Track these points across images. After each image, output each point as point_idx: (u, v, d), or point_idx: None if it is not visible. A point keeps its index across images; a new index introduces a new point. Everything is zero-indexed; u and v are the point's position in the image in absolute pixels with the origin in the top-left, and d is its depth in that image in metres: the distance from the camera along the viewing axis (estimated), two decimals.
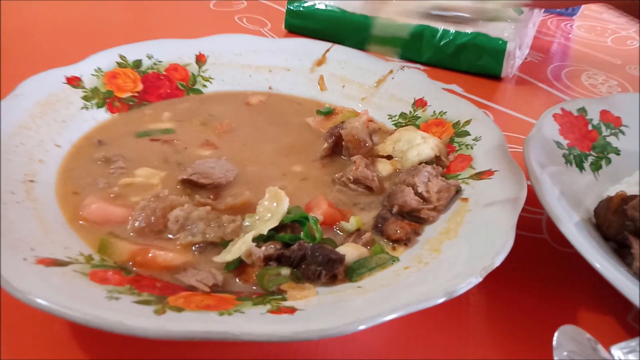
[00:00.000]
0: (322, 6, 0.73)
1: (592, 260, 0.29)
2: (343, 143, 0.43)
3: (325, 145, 0.43)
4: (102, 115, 0.45)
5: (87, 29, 0.71)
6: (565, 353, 0.22)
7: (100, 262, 0.30)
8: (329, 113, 0.49)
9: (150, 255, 0.30)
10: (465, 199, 0.37)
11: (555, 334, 0.22)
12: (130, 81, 0.48)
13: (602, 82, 0.76)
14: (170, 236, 0.32)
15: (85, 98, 0.44)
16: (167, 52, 0.51)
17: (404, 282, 0.28)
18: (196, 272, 0.29)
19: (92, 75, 0.46)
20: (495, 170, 0.38)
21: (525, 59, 0.81)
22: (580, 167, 0.44)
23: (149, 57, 0.50)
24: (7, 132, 0.37)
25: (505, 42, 0.67)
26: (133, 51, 0.49)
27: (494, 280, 0.34)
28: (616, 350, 0.22)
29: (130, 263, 0.30)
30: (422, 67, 0.71)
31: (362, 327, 0.23)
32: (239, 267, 0.30)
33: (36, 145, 0.38)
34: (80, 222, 0.33)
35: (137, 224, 0.32)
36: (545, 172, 0.38)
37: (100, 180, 0.37)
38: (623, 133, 0.49)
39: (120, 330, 0.22)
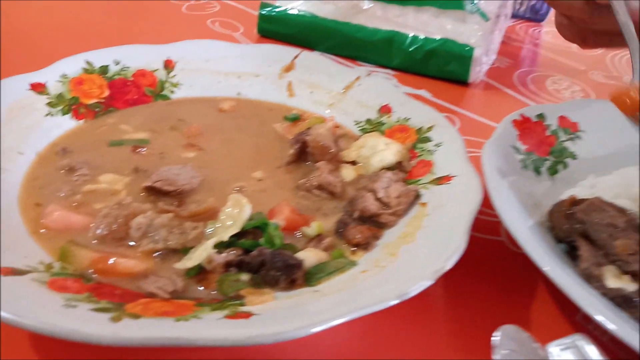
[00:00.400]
0: (294, 11, 0.74)
1: (539, 262, 0.31)
2: (308, 149, 0.44)
3: (291, 151, 0.44)
4: (67, 122, 0.45)
5: (53, 32, 0.70)
6: (504, 352, 0.23)
7: (61, 270, 0.30)
8: (295, 119, 0.50)
9: (110, 262, 0.30)
10: (424, 204, 0.38)
11: (495, 334, 0.24)
12: (97, 87, 0.48)
13: (566, 87, 0.78)
14: (132, 243, 0.33)
15: (49, 105, 0.44)
16: (134, 57, 0.51)
17: (360, 285, 0.29)
18: (157, 279, 0.30)
19: (57, 81, 0.45)
20: (454, 176, 0.39)
21: (493, 64, 0.83)
22: (537, 172, 0.46)
23: (116, 63, 0.50)
24: None
25: (472, 49, 0.69)
26: (100, 57, 0.49)
27: (449, 281, 0.35)
28: (552, 348, 0.24)
29: (92, 271, 0.30)
30: (392, 72, 0.73)
31: (314, 330, 0.24)
32: (200, 273, 0.31)
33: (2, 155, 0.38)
34: (42, 230, 0.33)
35: (99, 231, 0.33)
36: (501, 176, 0.40)
37: (63, 188, 0.37)
38: (580, 138, 0.51)
39: (75, 338, 0.22)
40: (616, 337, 0.28)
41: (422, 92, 0.69)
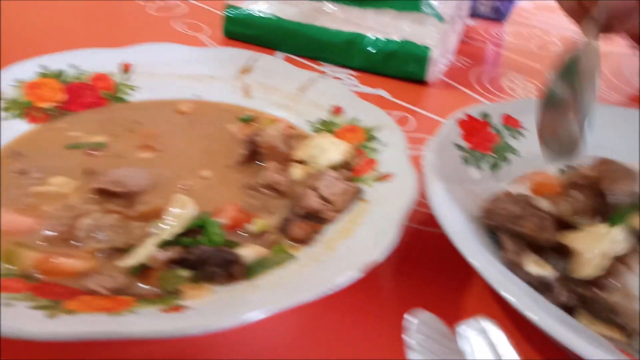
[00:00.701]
0: (259, 13, 0.75)
1: (464, 251, 0.33)
2: (260, 150, 0.45)
3: (242, 151, 0.45)
4: (22, 125, 0.46)
5: (9, 35, 0.70)
6: (416, 335, 0.25)
7: (6, 271, 0.31)
8: (249, 120, 0.51)
9: (54, 262, 0.31)
10: (365, 200, 0.40)
11: (407, 318, 0.25)
12: (53, 91, 0.49)
13: (521, 86, 0.81)
14: (78, 244, 0.34)
15: (4, 108, 0.45)
16: (91, 61, 0.52)
17: (295, 278, 0.31)
18: (99, 277, 0.31)
19: (11, 85, 0.46)
20: (394, 173, 0.41)
21: (453, 64, 0.85)
22: (479, 168, 0.48)
23: (73, 67, 0.51)
24: None
25: (428, 49, 0.71)
26: (56, 61, 0.50)
27: (384, 272, 0.37)
28: (461, 329, 0.26)
29: (37, 271, 0.32)
30: (354, 72, 0.75)
31: (241, 321, 0.26)
32: (142, 271, 0.32)
33: None
34: None
35: (46, 233, 0.34)
36: (439, 173, 0.42)
37: (13, 191, 0.38)
38: (522, 135, 0.53)
39: (8, 334, 0.24)
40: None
41: (381, 92, 0.71)
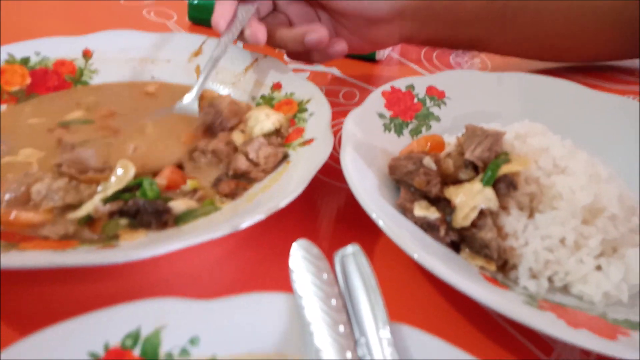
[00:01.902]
0: None
1: (360, 199, 0.39)
2: (214, 119, 0.51)
3: (201, 121, 0.51)
4: None
5: None
6: (297, 261, 0.31)
7: None
8: None
9: (13, 215, 0.38)
10: (288, 162, 0.46)
11: (293, 246, 0.32)
12: (19, 76, 0.55)
13: (467, 60, 0.87)
14: (36, 203, 0.40)
15: None
16: (54, 48, 0.58)
17: (213, 222, 0.38)
18: (52, 226, 0.37)
19: None
20: (315, 138, 0.47)
21: None
22: (399, 133, 0.54)
23: (37, 54, 0.57)
24: None
25: None
26: (21, 49, 0.56)
27: (293, 214, 0.43)
28: (337, 257, 0.32)
29: (1, 223, 0.38)
30: None
31: (154, 254, 0.32)
32: (89, 221, 0.39)
33: None
34: None
35: (7, 196, 0.40)
36: (355, 137, 0.48)
37: None
38: (445, 104, 0.59)
39: None
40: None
41: (333, 70, 0.77)
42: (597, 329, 0.32)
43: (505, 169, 0.41)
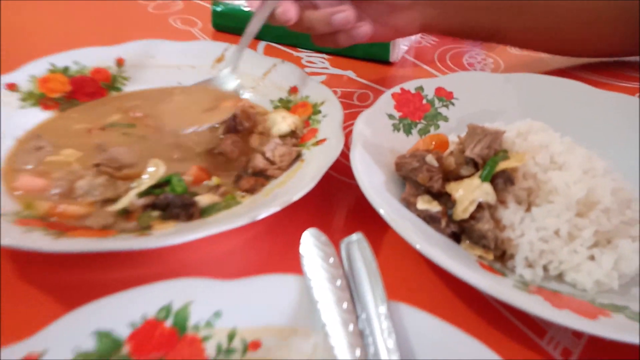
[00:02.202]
0: (243, 7, 0.86)
1: (366, 193, 0.43)
2: (237, 120, 0.56)
3: (222, 125, 0.56)
4: (38, 113, 0.58)
5: (24, 33, 0.83)
6: (307, 247, 0.35)
7: (27, 214, 0.43)
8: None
9: (61, 208, 0.43)
10: (302, 160, 0.50)
11: (303, 234, 0.36)
12: (60, 84, 0.60)
13: (480, 61, 0.89)
14: (79, 197, 0.45)
15: (22, 99, 0.57)
16: (91, 58, 0.63)
17: (234, 214, 0.42)
18: (94, 218, 0.43)
19: (27, 81, 0.58)
20: (327, 138, 0.51)
21: (419, 43, 0.94)
22: (408, 133, 0.58)
23: (76, 63, 0.62)
24: None
25: None
26: (62, 59, 0.62)
27: (306, 207, 0.47)
28: (343, 244, 0.36)
29: (49, 215, 0.43)
30: (326, 56, 0.84)
31: (186, 240, 0.37)
32: (126, 213, 0.44)
33: None
34: (16, 192, 0.46)
35: (54, 191, 0.46)
36: (365, 136, 0.51)
37: (32, 161, 0.50)
38: (453, 104, 0.62)
39: (28, 247, 0.35)
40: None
41: (349, 73, 0.80)
42: (580, 311, 0.35)
43: (502, 165, 0.44)
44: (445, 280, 0.43)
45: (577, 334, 0.39)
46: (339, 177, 0.55)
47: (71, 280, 0.40)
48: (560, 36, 0.73)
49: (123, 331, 0.31)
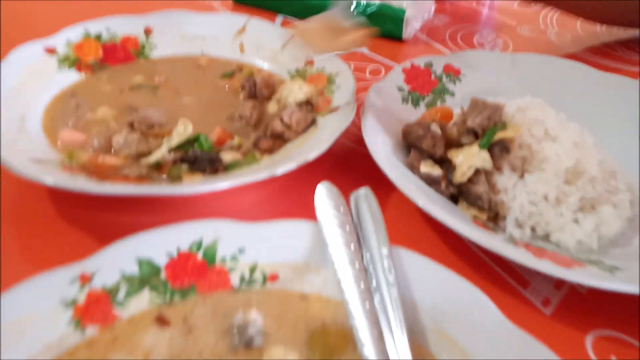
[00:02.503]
0: None
1: (375, 156, 0.47)
2: (257, 88, 0.60)
3: (243, 91, 0.60)
4: (74, 74, 0.63)
5: (57, 5, 0.87)
6: (321, 197, 0.40)
7: (69, 163, 0.48)
8: (232, 74, 0.66)
9: (100, 160, 0.48)
10: (317, 126, 0.55)
11: (318, 186, 0.41)
12: (93, 49, 0.65)
13: (490, 41, 0.92)
14: (115, 152, 0.51)
15: (59, 62, 0.62)
16: (121, 26, 0.68)
17: (254, 170, 0.47)
18: (129, 169, 0.48)
19: (64, 45, 0.63)
20: (341, 107, 0.56)
21: (432, 22, 0.97)
22: (416, 105, 0.62)
23: (107, 30, 0.67)
24: (7, 86, 0.54)
25: (404, 11, 0.83)
26: (95, 26, 0.66)
27: (319, 167, 0.52)
28: (352, 196, 0.41)
29: (90, 166, 0.48)
30: None
31: (213, 189, 0.42)
32: (158, 166, 0.49)
33: (28, 97, 0.56)
34: (59, 144, 0.51)
35: (95, 144, 0.51)
36: (377, 107, 0.56)
37: (72, 118, 0.55)
38: (460, 81, 0.66)
39: (74, 189, 0.40)
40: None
41: (362, 49, 0.84)
42: (558, 262, 0.40)
43: (500, 135, 0.48)
44: (441, 235, 0.48)
45: (557, 285, 0.44)
46: (351, 144, 0.59)
47: (108, 222, 0.46)
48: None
49: (161, 260, 0.37)
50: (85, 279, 0.34)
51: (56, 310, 0.33)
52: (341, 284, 0.36)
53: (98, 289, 0.34)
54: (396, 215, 0.50)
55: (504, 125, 0.50)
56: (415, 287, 0.37)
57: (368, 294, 0.35)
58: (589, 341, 0.41)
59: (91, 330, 0.34)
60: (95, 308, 0.34)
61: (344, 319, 0.36)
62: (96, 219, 0.46)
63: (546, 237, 0.48)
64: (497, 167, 0.50)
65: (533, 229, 0.48)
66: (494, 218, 0.50)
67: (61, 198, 0.47)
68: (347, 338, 0.35)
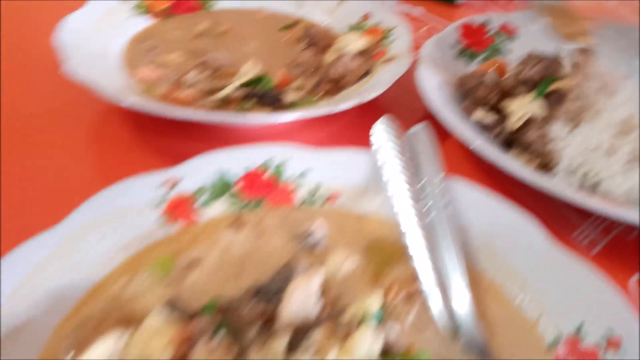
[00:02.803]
0: None
1: (434, 106, 0.50)
2: (314, 39, 0.63)
3: (303, 41, 0.64)
4: (147, 20, 0.67)
5: None
6: (380, 129, 0.43)
7: (148, 95, 0.53)
8: (291, 25, 0.69)
9: (175, 94, 0.53)
10: (373, 73, 0.57)
11: (377, 122, 0.43)
12: None
13: None
14: (187, 89, 0.55)
15: (134, 9, 0.66)
16: None
17: (316, 107, 0.50)
18: (203, 102, 0.52)
19: None
20: (396, 57, 0.58)
21: None
22: (470, 60, 0.63)
23: None
24: (86, 29, 0.59)
25: None
26: None
27: (376, 107, 0.54)
28: (410, 131, 0.43)
29: (164, 99, 0.53)
30: None
31: (276, 121, 0.45)
32: (227, 101, 0.53)
33: (107, 39, 0.61)
34: (137, 79, 0.56)
35: (168, 80, 0.55)
36: (432, 60, 0.57)
37: (148, 58, 0.60)
38: (515, 39, 0.67)
39: (153, 111, 0.45)
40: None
41: (418, 9, 0.85)
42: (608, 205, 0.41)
43: (556, 85, 0.50)
44: (492, 181, 0.50)
45: (605, 231, 0.46)
46: (406, 96, 0.61)
47: (178, 150, 0.50)
48: None
49: (236, 174, 0.41)
50: (172, 184, 0.39)
51: (147, 208, 0.38)
52: (396, 206, 0.39)
53: (182, 193, 0.39)
54: (448, 165, 0.52)
55: (560, 77, 0.51)
56: (467, 212, 0.39)
57: (421, 214, 0.38)
58: (632, 283, 0.42)
59: (176, 227, 0.38)
60: (179, 209, 0.38)
61: (397, 237, 0.39)
62: (167, 146, 0.51)
63: (594, 187, 0.49)
64: (551, 117, 0.51)
65: (582, 178, 0.49)
66: (544, 166, 0.51)
67: (137, 124, 0.52)
68: (400, 253, 0.38)
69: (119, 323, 0.32)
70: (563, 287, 0.34)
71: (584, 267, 0.34)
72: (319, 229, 0.38)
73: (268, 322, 0.31)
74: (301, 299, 0.31)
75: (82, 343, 0.30)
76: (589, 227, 0.46)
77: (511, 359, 0.32)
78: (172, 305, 0.31)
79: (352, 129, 0.54)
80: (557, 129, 0.50)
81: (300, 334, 0.30)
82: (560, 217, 0.47)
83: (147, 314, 0.30)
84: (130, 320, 0.32)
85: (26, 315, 0.31)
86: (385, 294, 0.35)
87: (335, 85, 0.56)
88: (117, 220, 0.36)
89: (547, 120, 0.51)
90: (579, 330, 0.32)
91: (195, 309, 0.32)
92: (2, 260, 0.32)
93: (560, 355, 0.32)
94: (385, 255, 0.37)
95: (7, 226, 0.41)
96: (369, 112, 0.50)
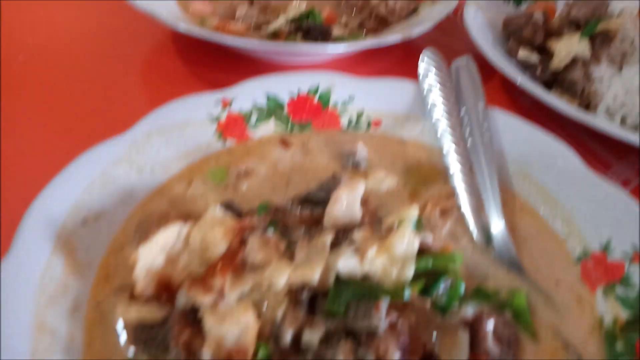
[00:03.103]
0: None
1: (480, 43, 0.50)
2: None
3: None
4: None
5: None
6: (425, 60, 0.44)
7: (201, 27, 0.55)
8: None
9: (227, 26, 0.55)
10: (419, 13, 0.58)
11: (423, 52, 0.45)
12: None
13: None
14: (238, 22, 0.57)
15: None
16: None
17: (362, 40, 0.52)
18: (252, 34, 0.54)
19: None
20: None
21: None
22: (518, 4, 0.63)
23: None
24: None
25: None
26: None
27: (422, 43, 0.55)
28: (454, 63, 0.45)
29: (217, 30, 0.56)
30: None
31: (323, 52, 0.47)
32: (276, 35, 0.55)
33: None
34: (190, 12, 0.59)
35: (220, 13, 0.58)
36: (480, 2, 0.57)
37: None
38: None
39: (211, 39, 0.48)
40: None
41: None
42: None
43: (603, 26, 0.49)
44: (532, 118, 0.51)
45: (639, 172, 0.46)
46: (451, 37, 0.62)
47: (226, 78, 0.53)
48: None
49: (285, 97, 0.43)
50: (226, 103, 0.42)
51: (205, 122, 0.41)
52: (438, 129, 0.41)
53: (236, 112, 0.42)
54: (489, 101, 0.53)
55: (608, 18, 0.50)
56: (505, 138, 0.41)
57: (462, 139, 0.40)
58: None
59: (230, 142, 0.42)
60: (233, 126, 0.42)
61: (434, 161, 0.41)
62: (217, 77, 0.53)
63: (633, 129, 0.49)
64: (596, 58, 0.51)
65: (623, 120, 0.49)
66: (585, 107, 0.51)
67: (189, 54, 0.55)
68: (439, 172, 0.40)
69: (179, 218, 0.36)
70: (593, 207, 0.35)
71: (613, 190, 0.35)
72: (362, 149, 0.41)
73: (314, 225, 0.34)
74: (345, 204, 0.34)
75: (147, 232, 0.34)
76: (623, 166, 0.47)
77: (540, 270, 0.34)
78: (228, 205, 0.35)
79: (398, 66, 0.56)
80: (601, 70, 0.50)
81: (343, 234, 0.33)
82: (596, 156, 0.48)
83: (205, 212, 0.34)
84: (189, 217, 0.36)
85: (101, 205, 0.36)
86: (421, 210, 0.38)
87: (381, 24, 0.57)
88: (177, 131, 0.40)
89: (591, 61, 0.50)
90: (606, 247, 0.34)
91: (248, 210, 0.35)
92: (81, 156, 0.36)
93: (587, 267, 0.34)
94: (422, 177, 0.40)
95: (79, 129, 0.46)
96: (413, 53, 0.51)
